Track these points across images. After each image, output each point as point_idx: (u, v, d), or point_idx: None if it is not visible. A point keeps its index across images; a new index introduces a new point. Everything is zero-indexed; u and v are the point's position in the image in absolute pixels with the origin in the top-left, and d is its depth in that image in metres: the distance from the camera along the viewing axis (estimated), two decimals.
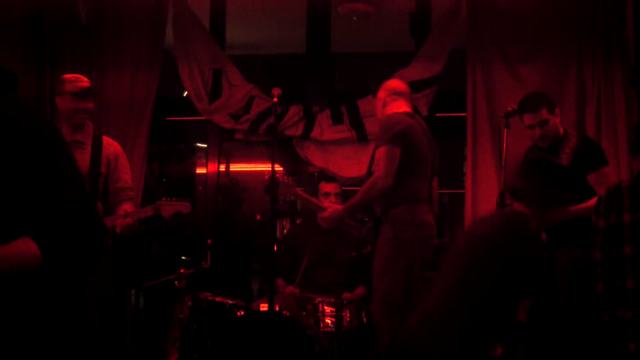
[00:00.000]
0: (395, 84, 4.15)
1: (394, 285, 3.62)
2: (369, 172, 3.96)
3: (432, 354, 2.46)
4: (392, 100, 4.02)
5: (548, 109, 3.94)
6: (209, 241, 4.77)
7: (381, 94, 4.07)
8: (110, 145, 3.97)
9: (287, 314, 4.05)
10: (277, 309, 3.87)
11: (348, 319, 4.14)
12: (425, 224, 3.75)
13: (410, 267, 3.64)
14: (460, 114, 5.26)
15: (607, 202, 2.95)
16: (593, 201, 3.45)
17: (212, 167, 5.76)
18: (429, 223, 3.78)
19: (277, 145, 4.15)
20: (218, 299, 4.19)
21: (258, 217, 6.29)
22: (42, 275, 1.56)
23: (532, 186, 2.69)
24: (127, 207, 3.89)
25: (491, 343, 2.54)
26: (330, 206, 4.10)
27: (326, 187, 4.75)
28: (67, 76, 3.95)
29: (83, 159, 3.84)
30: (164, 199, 3.81)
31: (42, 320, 1.60)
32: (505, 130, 3.93)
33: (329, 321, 4.13)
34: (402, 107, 4.00)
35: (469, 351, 2.46)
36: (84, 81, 3.94)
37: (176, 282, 4.42)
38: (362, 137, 5.31)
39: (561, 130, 4.03)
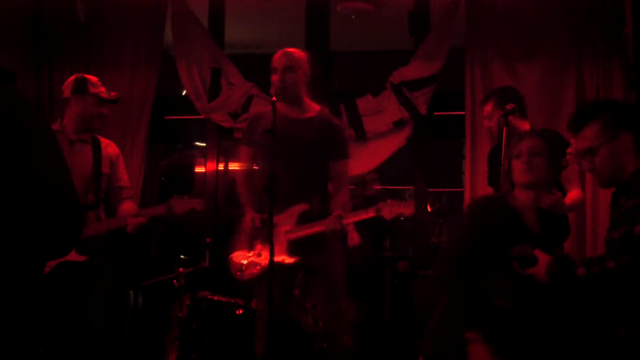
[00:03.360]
0: None
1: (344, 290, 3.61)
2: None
3: None
4: (309, 81, 3.71)
5: (496, 102, 3.81)
6: (208, 240, 4.76)
7: (306, 67, 3.69)
8: (108, 145, 3.95)
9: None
10: None
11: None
12: None
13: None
14: (459, 113, 5.26)
15: None
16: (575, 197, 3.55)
17: (210, 166, 5.75)
18: None
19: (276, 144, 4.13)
20: (217, 297, 4.19)
21: None
22: None
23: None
24: (130, 206, 3.89)
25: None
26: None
27: None
28: (90, 77, 3.87)
29: (86, 158, 3.82)
30: (175, 197, 3.78)
31: None
32: (505, 128, 3.91)
33: None
34: None
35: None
36: (102, 86, 3.91)
37: (175, 281, 4.42)
38: (360, 135, 5.31)
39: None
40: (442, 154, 7.22)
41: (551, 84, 5.04)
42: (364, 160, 5.28)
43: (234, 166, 6.68)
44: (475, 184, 5.10)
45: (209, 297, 4.17)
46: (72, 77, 3.85)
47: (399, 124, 5.26)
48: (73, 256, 3.66)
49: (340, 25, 5.79)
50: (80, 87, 3.81)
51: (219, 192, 5.78)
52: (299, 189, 3.52)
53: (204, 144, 5.94)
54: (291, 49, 3.70)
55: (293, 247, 3.37)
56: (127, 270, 4.89)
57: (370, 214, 3.38)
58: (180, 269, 4.43)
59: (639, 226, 2.28)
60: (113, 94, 3.88)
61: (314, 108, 3.69)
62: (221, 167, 5.86)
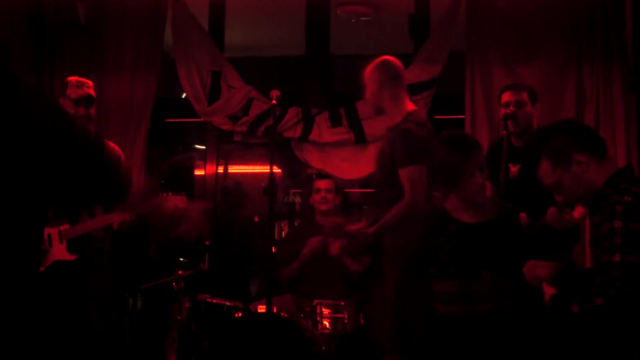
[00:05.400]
0: (397, 62, 3.69)
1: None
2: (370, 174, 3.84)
3: None
4: (394, 85, 3.63)
5: (529, 95, 3.88)
6: (207, 243, 4.76)
7: (379, 74, 3.64)
8: (112, 149, 3.99)
9: (285, 315, 4.04)
10: (274, 310, 3.86)
11: (346, 321, 4.13)
12: None
13: None
14: (459, 116, 5.26)
15: None
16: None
17: (210, 169, 5.75)
18: None
19: (275, 147, 4.15)
20: (216, 300, 4.19)
21: (256, 219, 6.29)
22: None
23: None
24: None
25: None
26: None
27: (319, 183, 4.75)
28: (72, 80, 3.92)
29: None
30: (161, 194, 3.79)
31: None
32: (505, 132, 3.92)
33: (327, 323, 4.13)
34: (407, 101, 3.66)
35: None
36: (87, 86, 3.92)
37: (174, 283, 4.42)
38: (360, 139, 5.31)
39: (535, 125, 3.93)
40: None
41: (551, 87, 5.03)
42: (364, 163, 5.27)
43: (233, 169, 6.69)
44: None
45: (208, 300, 4.17)
46: None
47: None
48: (63, 255, 3.70)
49: (340, 29, 5.79)
50: (62, 90, 3.91)
51: (217, 194, 5.78)
52: (374, 199, 3.64)
53: (204, 147, 5.94)
54: (373, 63, 3.67)
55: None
56: (126, 272, 4.89)
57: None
58: (180, 272, 4.43)
59: (617, 255, 2.26)
60: (80, 93, 3.89)
61: (401, 112, 3.61)
62: (220, 170, 5.86)
